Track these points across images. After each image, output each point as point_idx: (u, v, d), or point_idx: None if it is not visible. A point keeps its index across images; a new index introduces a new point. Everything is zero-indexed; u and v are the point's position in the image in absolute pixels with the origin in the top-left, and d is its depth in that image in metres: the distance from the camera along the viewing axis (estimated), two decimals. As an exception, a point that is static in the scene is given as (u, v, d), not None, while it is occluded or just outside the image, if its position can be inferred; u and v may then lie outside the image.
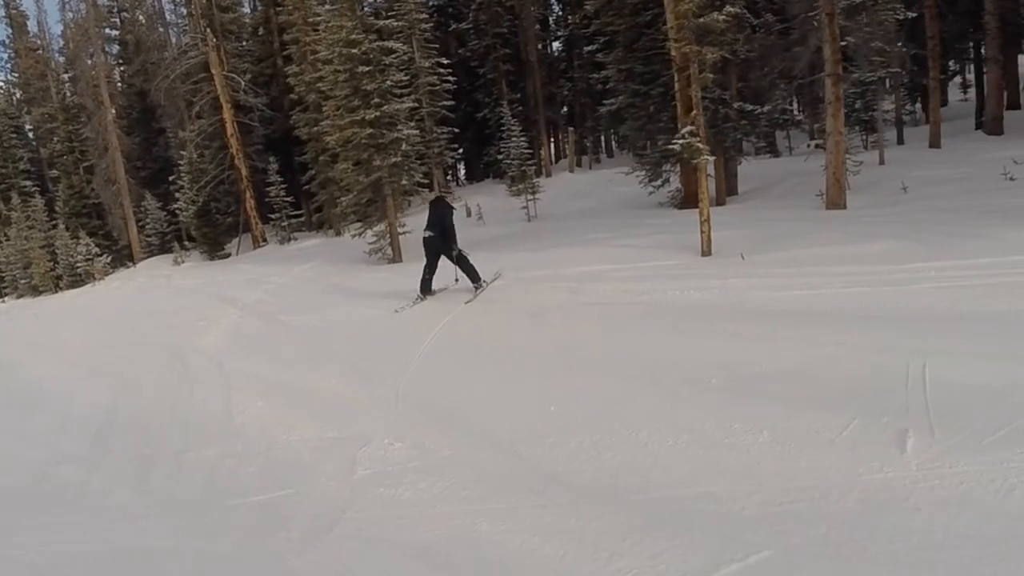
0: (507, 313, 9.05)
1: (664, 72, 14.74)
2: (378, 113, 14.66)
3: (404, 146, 15.15)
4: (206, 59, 25.17)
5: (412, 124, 16.22)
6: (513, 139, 18.29)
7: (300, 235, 25.87)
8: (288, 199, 25.17)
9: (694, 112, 9.89)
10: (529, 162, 18.14)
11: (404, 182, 15.57)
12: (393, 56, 15.08)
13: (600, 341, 7.27)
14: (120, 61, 36.62)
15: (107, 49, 35.96)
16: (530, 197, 17.73)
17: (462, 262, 10.16)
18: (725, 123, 14.29)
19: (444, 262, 10.40)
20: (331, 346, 9.21)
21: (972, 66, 25.60)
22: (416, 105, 17.90)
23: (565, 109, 32.97)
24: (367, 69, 14.53)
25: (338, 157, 15.92)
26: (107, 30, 35.15)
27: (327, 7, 15.72)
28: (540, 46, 30.15)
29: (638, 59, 14.88)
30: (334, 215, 20.72)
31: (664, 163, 15.30)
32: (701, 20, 9.66)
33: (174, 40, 38.89)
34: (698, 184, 10.08)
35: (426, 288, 10.38)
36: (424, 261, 10.50)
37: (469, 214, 20.21)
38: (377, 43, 14.68)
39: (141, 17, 37.40)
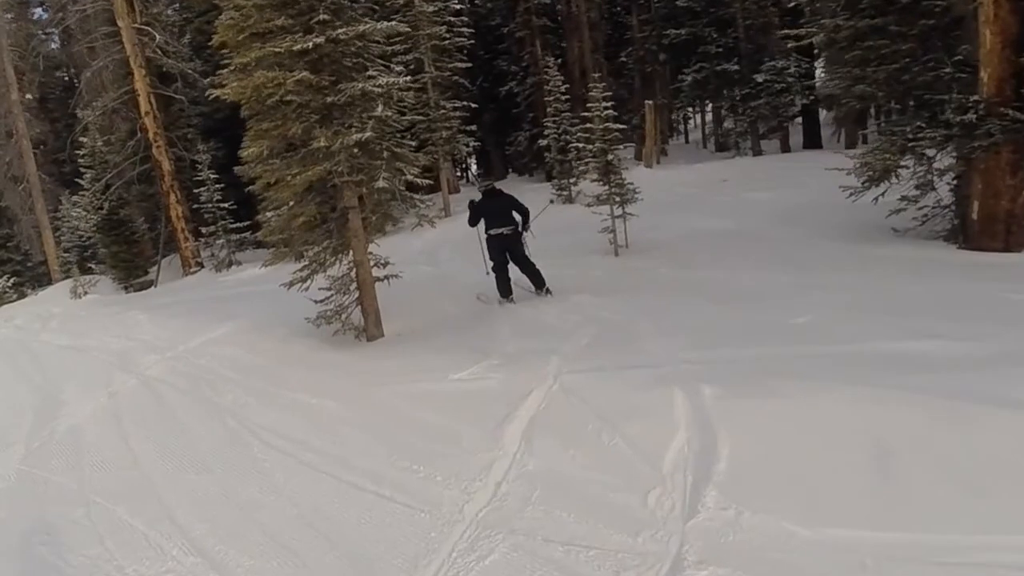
0: None
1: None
2: (322, 40, 6.68)
3: (380, 109, 7.13)
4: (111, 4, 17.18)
5: (399, 70, 8.24)
6: (593, 108, 9.94)
7: (248, 256, 17.78)
8: (226, 205, 17.06)
9: None
10: (614, 148, 9.83)
11: (382, 182, 7.53)
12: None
13: None
14: (40, 29, 28.72)
15: (26, 9, 28.18)
16: (618, 212, 9.61)
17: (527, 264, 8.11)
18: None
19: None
20: None
21: None
22: (408, 31, 9.77)
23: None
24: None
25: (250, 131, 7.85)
26: (19, -18, 27.31)
27: None
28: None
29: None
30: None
31: (943, 148, 7.11)
32: None
33: None
34: None
35: (506, 290, 8.15)
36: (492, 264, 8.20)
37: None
38: None
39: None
